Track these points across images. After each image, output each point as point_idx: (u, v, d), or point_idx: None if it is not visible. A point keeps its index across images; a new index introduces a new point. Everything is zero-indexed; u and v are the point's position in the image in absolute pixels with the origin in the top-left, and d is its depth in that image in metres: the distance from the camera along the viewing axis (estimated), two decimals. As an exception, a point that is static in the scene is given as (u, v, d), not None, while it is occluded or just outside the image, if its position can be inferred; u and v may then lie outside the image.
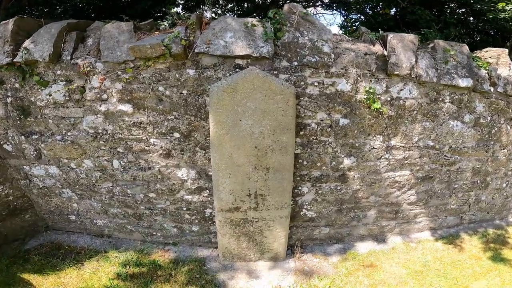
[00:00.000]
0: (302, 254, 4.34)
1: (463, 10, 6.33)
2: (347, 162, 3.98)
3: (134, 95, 3.89)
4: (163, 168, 4.07)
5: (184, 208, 4.22)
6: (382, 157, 4.03)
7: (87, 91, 3.96)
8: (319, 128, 3.84)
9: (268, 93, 3.35)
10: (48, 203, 4.69)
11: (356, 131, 3.92)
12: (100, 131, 4.03)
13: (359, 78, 3.88)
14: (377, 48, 4.00)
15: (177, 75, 3.83)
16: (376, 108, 3.83)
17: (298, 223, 4.23)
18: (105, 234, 4.74)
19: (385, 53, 3.93)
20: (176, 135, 3.94)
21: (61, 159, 4.29)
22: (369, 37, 4.15)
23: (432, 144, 4.18)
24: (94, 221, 4.64)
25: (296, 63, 3.78)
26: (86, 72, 3.91)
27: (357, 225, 4.29)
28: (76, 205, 4.59)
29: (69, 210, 4.66)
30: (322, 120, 3.86)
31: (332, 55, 3.82)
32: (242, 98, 3.35)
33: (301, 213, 4.16)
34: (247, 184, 3.72)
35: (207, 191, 4.06)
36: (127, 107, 3.93)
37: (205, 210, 4.19)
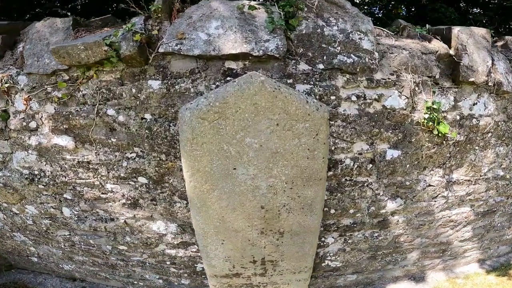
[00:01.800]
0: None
1: (491, 5, 4.35)
2: (391, 205, 2.31)
3: (72, 122, 2.04)
4: (131, 220, 2.45)
5: (168, 262, 2.69)
6: (439, 196, 2.39)
7: (11, 117, 2.17)
8: (355, 166, 2.15)
9: (282, 119, 1.57)
10: (3, 244, 3.12)
11: (408, 166, 2.24)
12: (36, 172, 2.29)
13: (417, 89, 2.09)
14: (436, 45, 2.17)
15: (133, 91, 1.99)
16: (442, 133, 2.14)
17: (319, 273, 2.76)
18: (77, 278, 3.28)
19: (451, 51, 2.09)
20: (142, 180, 2.25)
21: (1, 203, 2.65)
22: (417, 32, 2.29)
23: (502, 174, 2.41)
24: (60, 265, 3.13)
25: (322, 66, 1.93)
26: (6, 89, 2.07)
27: (392, 268, 2.85)
28: (33, 248, 3.01)
29: (28, 252, 3.12)
30: (361, 154, 2.16)
31: (376, 54, 1.99)
32: (237, 130, 1.57)
33: (323, 264, 2.67)
34: (250, 251, 2.01)
35: (196, 246, 2.34)
36: (65, 141, 2.15)
37: (195, 265, 2.68)
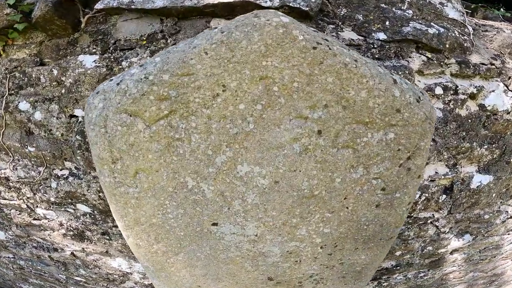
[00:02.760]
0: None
1: None
2: (455, 244, 1.39)
3: None
4: (81, 253, 1.61)
5: None
6: (520, 229, 1.60)
7: None
8: (422, 198, 1.29)
9: (333, 120, 0.64)
10: None
11: (494, 195, 1.40)
12: None
13: None
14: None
15: (55, 72, 0.94)
16: None
17: None
18: None
19: None
20: (83, 208, 1.38)
21: None
22: (497, 14, 1.28)
23: None
24: (18, 284, 2.39)
25: (382, 36, 0.89)
26: None
27: None
28: (-19, 261, 2.25)
29: (-22, 262, 2.34)
30: (434, 180, 1.26)
31: (469, 28, 1.00)
32: (217, 143, 0.63)
33: None
34: None
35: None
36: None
37: None
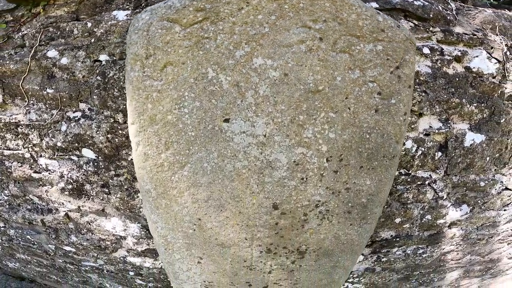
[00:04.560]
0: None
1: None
2: (453, 215, 1.32)
3: (2, 68, 1.04)
4: (75, 213, 1.51)
5: (132, 273, 1.77)
6: (515, 204, 1.57)
7: None
8: (419, 152, 1.29)
9: (331, 31, 0.68)
10: None
11: (488, 159, 1.41)
12: None
13: (508, 53, 1.25)
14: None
15: (89, 25, 1.01)
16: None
17: None
18: (26, 277, 2.31)
19: None
20: (88, 154, 1.30)
21: None
22: (485, 2, 1.47)
23: None
24: (4, 261, 2.18)
25: (375, 5, 1.02)
26: None
27: None
28: (-33, 239, 2.07)
29: (-37, 243, 2.15)
30: (429, 134, 1.28)
31: (452, 4, 1.13)
32: (238, 41, 0.65)
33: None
34: (245, 276, 1.02)
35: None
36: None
37: (169, 279, 1.78)
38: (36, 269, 1.88)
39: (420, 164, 1.13)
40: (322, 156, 0.72)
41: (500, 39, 1.16)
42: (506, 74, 1.15)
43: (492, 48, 1.14)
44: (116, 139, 1.10)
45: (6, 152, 1.27)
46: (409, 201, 1.21)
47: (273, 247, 0.94)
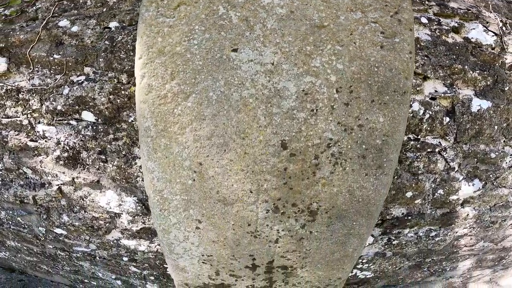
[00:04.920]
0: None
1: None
2: (466, 190, 1.24)
3: (11, 39, 1.05)
4: (69, 187, 1.43)
5: (126, 258, 1.65)
6: (528, 181, 1.50)
7: None
8: (427, 116, 1.26)
9: None
10: None
11: (496, 127, 1.37)
12: None
13: (505, 29, 1.28)
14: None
15: None
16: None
17: None
18: (16, 268, 2.15)
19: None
20: (88, 117, 1.25)
21: None
22: None
23: None
24: None
25: None
26: None
27: (434, 280, 1.83)
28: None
29: None
30: (435, 98, 1.24)
31: None
32: None
33: (350, 275, 1.66)
34: (248, 247, 0.93)
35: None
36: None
37: (165, 265, 1.65)
38: (27, 258, 1.75)
39: (428, 128, 1.09)
40: (332, 86, 0.69)
41: (495, 16, 1.19)
42: (505, 46, 1.16)
43: (487, 22, 1.16)
44: (118, 100, 1.07)
45: (4, 121, 1.24)
46: (420, 171, 1.15)
47: (281, 204, 0.86)
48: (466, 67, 1.09)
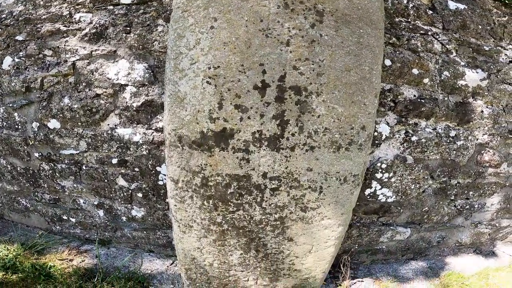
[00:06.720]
0: (354, 281, 1.28)
1: None
2: (471, 75, 1.21)
3: None
4: (83, 61, 1.40)
5: (115, 161, 1.37)
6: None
7: None
8: (410, 4, 1.38)
9: None
10: None
11: (480, 28, 1.46)
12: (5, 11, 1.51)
13: None
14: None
15: None
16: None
17: (356, 216, 1.36)
18: None
19: None
20: (125, 0, 1.41)
21: None
22: None
23: None
24: None
25: None
26: None
27: (462, 224, 1.38)
28: None
29: None
30: None
31: None
32: None
33: (368, 191, 1.35)
34: (260, 50, 0.88)
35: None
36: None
37: (158, 168, 1.38)
38: (8, 187, 1.46)
39: (416, 15, 1.20)
40: None
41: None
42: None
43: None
44: (154, -19, 1.24)
45: (44, 16, 1.35)
46: (419, 49, 1.18)
47: (290, 1, 0.88)
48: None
